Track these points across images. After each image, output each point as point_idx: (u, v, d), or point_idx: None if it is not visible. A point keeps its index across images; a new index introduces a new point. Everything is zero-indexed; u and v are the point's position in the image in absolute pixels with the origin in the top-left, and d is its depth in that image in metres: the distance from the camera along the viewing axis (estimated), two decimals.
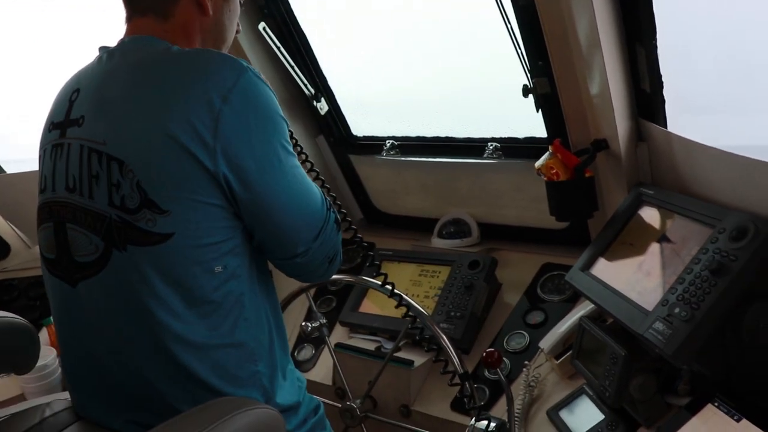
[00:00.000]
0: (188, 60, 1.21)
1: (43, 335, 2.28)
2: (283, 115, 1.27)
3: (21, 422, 1.26)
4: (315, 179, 1.47)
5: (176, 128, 1.14)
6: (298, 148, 1.50)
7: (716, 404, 1.29)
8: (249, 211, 1.22)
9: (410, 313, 1.75)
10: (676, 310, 1.31)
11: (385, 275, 1.71)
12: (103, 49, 1.33)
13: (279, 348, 1.38)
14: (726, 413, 1.26)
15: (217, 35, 1.39)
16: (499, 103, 2.16)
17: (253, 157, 1.19)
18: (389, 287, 1.71)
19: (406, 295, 1.79)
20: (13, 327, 1.41)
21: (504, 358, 1.93)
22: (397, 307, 1.75)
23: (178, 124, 1.14)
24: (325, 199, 1.35)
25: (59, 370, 2.17)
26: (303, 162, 1.52)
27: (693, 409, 1.33)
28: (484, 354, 1.69)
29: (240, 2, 1.43)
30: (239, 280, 1.26)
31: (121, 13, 1.35)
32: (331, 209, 1.36)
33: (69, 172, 1.24)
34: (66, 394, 1.41)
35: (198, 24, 1.33)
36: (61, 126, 1.29)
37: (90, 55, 1.36)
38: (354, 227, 1.63)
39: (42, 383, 2.11)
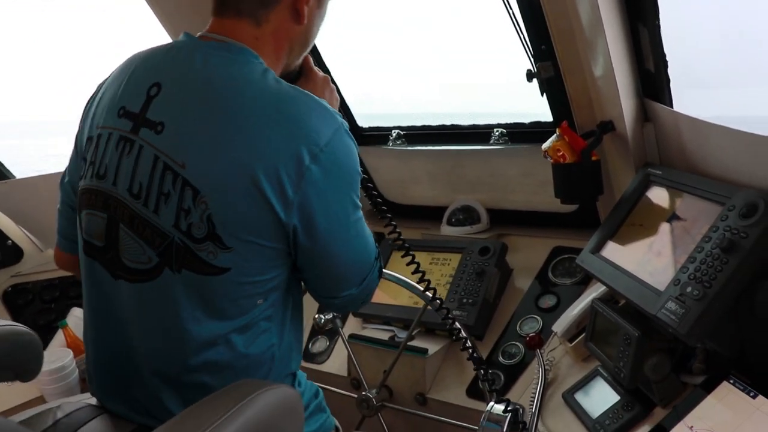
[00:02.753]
0: (287, 108, 1.18)
1: (60, 337, 2.30)
2: (359, 169, 1.27)
3: (35, 425, 1.28)
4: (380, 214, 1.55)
5: (262, 177, 1.13)
6: (371, 186, 1.55)
7: (731, 381, 1.29)
8: (306, 256, 1.24)
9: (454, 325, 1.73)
10: (688, 289, 1.31)
11: (423, 273, 1.64)
12: (187, 35, 1.28)
13: (295, 356, 1.41)
14: (741, 390, 1.26)
15: (303, 43, 1.36)
16: (504, 89, 2.16)
17: (326, 214, 1.20)
18: (429, 294, 1.67)
19: (418, 284, 1.78)
20: (16, 335, 1.43)
21: (518, 343, 1.94)
22: (437, 310, 1.69)
23: (265, 172, 1.13)
24: (376, 247, 1.37)
25: (77, 371, 2.19)
26: (375, 205, 1.57)
27: (708, 388, 1.33)
28: (527, 338, 1.76)
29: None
30: (275, 308, 1.29)
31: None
32: (379, 259, 1.38)
33: (136, 177, 1.21)
34: (77, 397, 1.43)
35: (289, 33, 1.30)
36: (135, 120, 1.23)
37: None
38: (398, 231, 1.59)
39: (60, 384, 2.13)
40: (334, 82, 1.51)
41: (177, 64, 1.26)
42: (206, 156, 1.15)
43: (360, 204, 1.28)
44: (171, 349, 1.24)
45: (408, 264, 1.59)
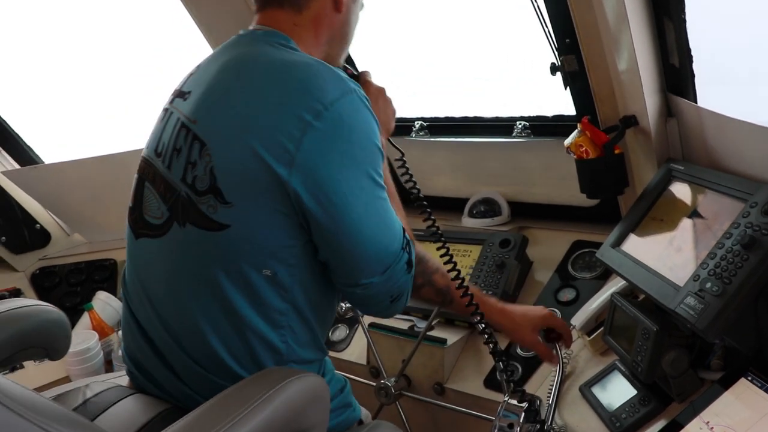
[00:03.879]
0: (295, 70, 1.21)
1: (85, 319, 2.35)
2: (380, 146, 1.24)
3: (63, 404, 1.31)
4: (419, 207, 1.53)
5: (259, 132, 1.16)
6: (411, 183, 1.54)
7: (749, 378, 1.29)
8: (319, 227, 1.20)
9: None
10: (708, 285, 1.31)
11: (455, 264, 1.58)
12: (240, 33, 1.38)
13: (320, 353, 1.40)
14: (759, 387, 1.26)
15: (343, 35, 1.41)
16: (528, 82, 2.17)
17: (334, 179, 1.16)
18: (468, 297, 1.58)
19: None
20: (45, 314, 1.48)
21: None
22: (476, 319, 1.63)
23: (263, 128, 1.16)
24: (405, 237, 1.30)
25: (101, 353, 2.24)
26: (417, 198, 1.55)
27: (726, 384, 1.33)
28: (546, 330, 1.73)
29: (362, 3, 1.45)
30: (287, 291, 1.25)
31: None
32: (407, 249, 1.30)
33: (162, 138, 1.33)
34: (104, 376, 1.47)
35: (328, 20, 1.36)
36: (175, 94, 1.39)
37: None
38: (433, 218, 1.58)
39: (86, 365, 2.18)
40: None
41: (218, 51, 1.38)
42: (214, 111, 1.23)
43: (382, 184, 1.24)
44: (182, 312, 1.26)
45: (441, 256, 1.55)
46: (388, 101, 1.51)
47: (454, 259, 1.54)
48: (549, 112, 2.17)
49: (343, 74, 1.24)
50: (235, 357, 1.27)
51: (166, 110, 1.38)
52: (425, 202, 1.56)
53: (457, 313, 1.60)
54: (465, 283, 1.52)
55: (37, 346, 1.48)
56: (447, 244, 1.56)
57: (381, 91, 1.49)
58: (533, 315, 1.64)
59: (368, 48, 2.44)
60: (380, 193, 1.24)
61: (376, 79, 1.53)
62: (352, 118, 1.18)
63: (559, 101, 2.01)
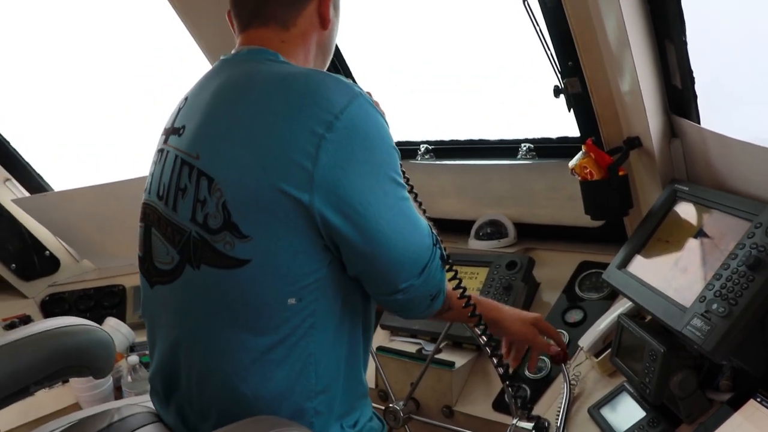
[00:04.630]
0: (296, 83, 1.15)
1: None
2: (394, 145, 1.20)
3: (90, 426, 1.32)
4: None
5: (273, 158, 1.09)
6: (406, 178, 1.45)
7: (758, 399, 1.29)
8: (348, 244, 1.14)
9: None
10: (714, 306, 1.31)
11: (464, 289, 1.53)
12: (222, 58, 1.32)
13: (349, 387, 1.29)
14: None
15: (326, 50, 1.38)
16: (526, 79, 2.17)
17: (357, 188, 1.11)
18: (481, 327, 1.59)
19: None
20: (89, 334, 1.52)
21: (543, 357, 1.95)
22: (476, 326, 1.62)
23: (277, 152, 1.09)
24: (433, 233, 1.28)
25: (111, 379, 2.25)
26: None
27: (735, 405, 1.33)
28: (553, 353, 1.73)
29: None
30: (315, 316, 1.18)
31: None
32: (438, 245, 1.28)
33: (162, 180, 1.25)
34: (138, 399, 1.48)
35: (314, 37, 1.32)
36: (167, 132, 1.32)
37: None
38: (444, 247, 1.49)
39: (95, 392, 2.19)
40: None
41: (205, 78, 1.33)
42: (217, 143, 1.16)
43: (403, 183, 1.20)
44: (201, 355, 1.21)
45: (450, 279, 1.48)
46: (376, 104, 1.45)
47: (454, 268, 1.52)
48: (554, 134, 2.18)
49: (343, 77, 1.18)
50: (260, 395, 1.20)
51: (161, 151, 1.30)
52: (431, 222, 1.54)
53: (456, 319, 1.55)
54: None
55: (80, 364, 1.52)
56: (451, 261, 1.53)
57: (375, 104, 1.46)
58: (525, 313, 1.64)
59: (365, 45, 2.46)
60: (403, 194, 1.20)
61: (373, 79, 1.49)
62: (364, 123, 1.14)
63: (557, 103, 2.01)
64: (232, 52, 1.31)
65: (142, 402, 1.45)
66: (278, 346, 1.17)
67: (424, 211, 1.55)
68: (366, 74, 2.44)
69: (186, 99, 1.32)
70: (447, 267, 1.40)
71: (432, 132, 2.48)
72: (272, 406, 1.20)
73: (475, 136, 2.39)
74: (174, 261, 1.20)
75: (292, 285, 1.15)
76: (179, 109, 1.32)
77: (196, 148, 1.19)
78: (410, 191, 1.48)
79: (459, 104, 2.44)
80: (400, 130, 2.60)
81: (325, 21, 1.31)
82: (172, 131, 1.29)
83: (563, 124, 2.01)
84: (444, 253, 1.30)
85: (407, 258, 1.20)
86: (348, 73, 2.46)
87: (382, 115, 1.19)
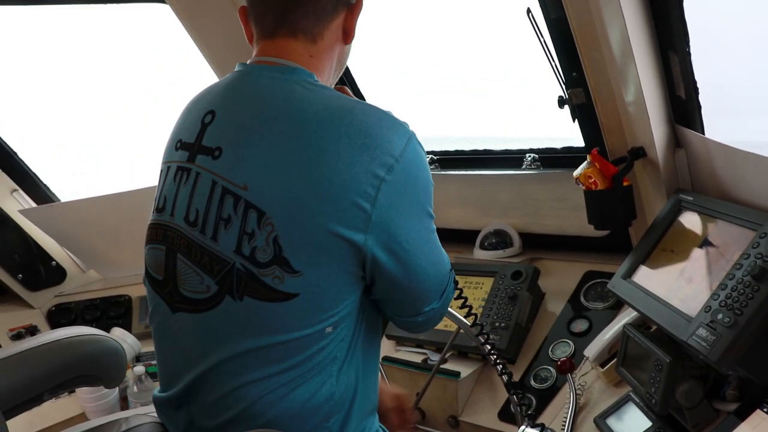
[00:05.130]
0: (355, 120, 1.12)
1: None
2: (431, 179, 1.22)
3: None
4: None
5: (333, 200, 1.08)
6: None
7: (765, 410, 1.29)
8: (388, 276, 1.17)
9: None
10: (719, 316, 1.31)
11: (465, 299, 1.65)
12: (241, 65, 1.25)
13: (360, 405, 1.29)
14: None
15: (343, 63, 1.34)
16: (532, 83, 2.17)
17: (407, 228, 1.15)
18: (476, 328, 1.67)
19: (455, 309, 1.79)
20: (100, 344, 1.52)
21: (549, 367, 1.95)
22: (477, 335, 1.71)
23: (337, 195, 1.08)
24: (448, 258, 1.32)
25: (117, 389, 2.26)
26: None
27: (742, 415, 1.33)
28: (559, 362, 1.74)
29: None
30: (344, 341, 1.20)
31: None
32: (452, 269, 1.33)
33: (192, 204, 1.18)
34: (146, 409, 1.47)
35: (337, 50, 1.28)
36: (191, 149, 1.22)
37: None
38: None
39: (101, 402, 2.19)
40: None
41: (230, 90, 1.24)
42: (271, 175, 1.11)
43: (434, 214, 1.23)
44: (230, 382, 1.18)
45: (456, 297, 1.52)
46: None
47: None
48: (558, 144, 2.19)
49: (393, 114, 1.18)
50: (280, 416, 1.19)
51: (185, 170, 1.22)
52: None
53: None
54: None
55: (92, 373, 1.52)
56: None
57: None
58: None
59: (373, 48, 2.47)
60: (433, 226, 1.23)
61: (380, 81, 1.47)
62: (418, 163, 1.16)
63: (569, 132, 2.02)
64: (255, 60, 1.24)
65: (150, 413, 1.46)
66: (308, 372, 1.18)
67: None
68: (373, 77, 2.44)
69: (213, 113, 1.22)
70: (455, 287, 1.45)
71: (438, 132, 2.49)
72: (290, 427, 1.19)
73: (480, 146, 2.41)
74: (211, 291, 1.16)
75: (333, 317, 1.16)
76: (204, 124, 1.22)
77: (242, 179, 1.13)
78: None
79: (466, 106, 2.45)
80: None
81: (349, 35, 1.27)
82: (200, 149, 1.20)
83: (568, 126, 2.00)
84: (454, 276, 1.35)
85: (434, 285, 1.26)
86: (350, 78, 2.46)
87: (424, 150, 1.20)
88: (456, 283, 1.42)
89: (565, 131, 2.14)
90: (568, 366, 1.72)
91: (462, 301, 1.60)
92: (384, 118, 1.15)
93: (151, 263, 1.28)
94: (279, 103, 1.16)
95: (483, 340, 1.67)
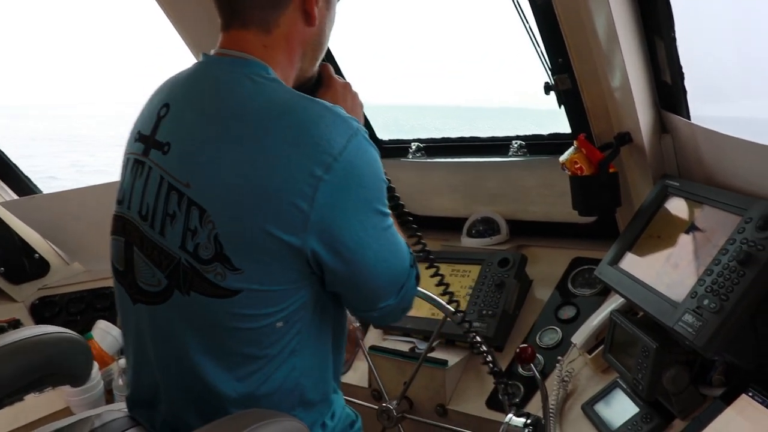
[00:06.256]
0: (295, 119, 1.12)
1: None
2: (384, 177, 1.21)
3: None
4: (404, 223, 1.46)
5: (270, 201, 1.08)
6: (397, 197, 1.48)
7: (750, 394, 1.29)
8: (334, 276, 1.17)
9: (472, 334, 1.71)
10: (705, 302, 1.31)
11: (447, 285, 1.63)
12: (203, 56, 1.25)
13: (326, 390, 1.33)
14: (761, 403, 1.26)
15: (316, 46, 1.29)
16: (510, 65, 2.16)
17: (350, 228, 1.13)
18: (461, 316, 1.67)
19: (437, 296, 1.80)
20: (67, 341, 1.49)
21: (537, 354, 1.94)
22: (459, 323, 1.71)
23: (274, 196, 1.08)
24: (411, 254, 1.30)
25: (102, 383, 2.24)
26: (401, 214, 1.49)
27: (727, 400, 1.33)
28: (518, 350, 1.70)
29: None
30: (300, 333, 1.21)
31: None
32: (414, 266, 1.31)
33: (144, 199, 1.20)
34: (118, 405, 1.46)
35: (301, 35, 1.24)
36: (146, 142, 1.23)
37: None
38: (423, 243, 1.55)
39: (86, 396, 2.17)
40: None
41: (186, 83, 1.25)
42: (212, 174, 1.12)
43: (388, 211, 1.21)
44: (183, 376, 1.21)
45: (432, 276, 1.58)
46: (355, 96, 1.41)
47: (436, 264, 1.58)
48: (545, 131, 2.18)
49: (342, 111, 1.16)
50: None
51: (140, 163, 1.23)
52: (411, 218, 1.54)
53: None
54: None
55: (60, 372, 1.50)
56: (436, 263, 1.58)
57: (346, 86, 1.40)
58: None
59: (350, 31, 2.44)
60: (388, 222, 1.22)
61: (353, 66, 1.47)
62: (361, 161, 1.14)
63: (556, 119, 2.01)
64: (213, 52, 1.24)
65: (122, 408, 1.44)
66: (266, 366, 1.19)
67: (409, 216, 1.52)
68: (349, 59, 2.42)
69: (167, 106, 1.23)
70: (428, 265, 1.52)
71: (417, 118, 2.47)
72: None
73: (467, 134, 2.39)
74: (162, 284, 1.18)
75: (282, 312, 1.16)
76: (159, 117, 1.23)
77: (186, 176, 1.14)
78: (396, 204, 1.50)
79: (444, 90, 2.43)
80: (389, 129, 2.59)
81: (310, 18, 1.22)
82: (154, 144, 1.22)
83: (546, 102, 1.97)
84: (418, 272, 1.33)
85: (388, 282, 1.24)
86: (331, 59, 2.43)
87: (373, 146, 1.18)
88: (437, 268, 1.48)
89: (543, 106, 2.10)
90: (528, 355, 1.68)
91: (443, 287, 1.60)
92: (325, 115, 1.13)
93: (113, 254, 1.31)
94: (226, 98, 1.16)
95: (468, 327, 1.66)
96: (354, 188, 1.13)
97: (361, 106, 1.43)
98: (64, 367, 1.48)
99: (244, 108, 1.14)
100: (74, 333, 1.52)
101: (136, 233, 1.22)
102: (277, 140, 1.10)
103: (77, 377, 1.54)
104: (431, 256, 1.56)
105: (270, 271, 1.12)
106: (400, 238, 1.27)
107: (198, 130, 1.16)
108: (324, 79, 1.39)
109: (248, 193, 1.09)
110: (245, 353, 1.18)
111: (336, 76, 1.41)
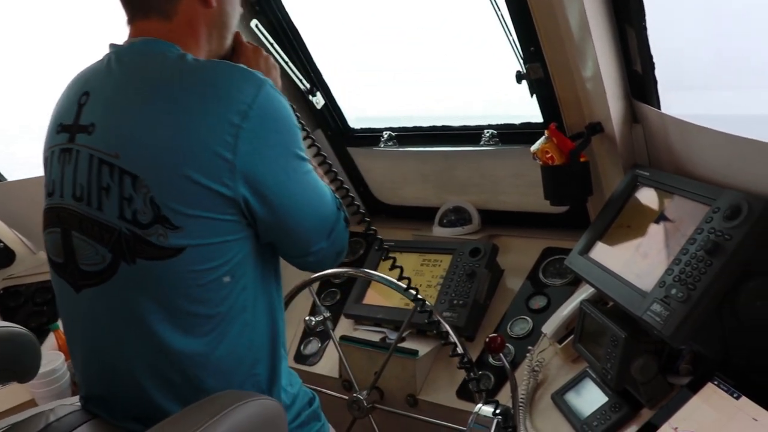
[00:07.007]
0: (206, 76, 1.20)
1: (51, 340, 2.31)
2: (297, 123, 1.28)
3: (25, 430, 1.28)
4: (332, 179, 1.53)
5: (196, 154, 1.14)
6: (315, 149, 1.56)
7: (716, 383, 1.30)
8: (265, 222, 1.24)
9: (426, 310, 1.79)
10: (673, 291, 1.31)
11: (401, 268, 1.71)
12: (112, 47, 1.31)
13: (278, 349, 1.39)
14: (725, 391, 1.26)
15: (221, 26, 1.37)
16: (495, 90, 2.16)
17: (273, 172, 1.21)
18: (407, 287, 1.74)
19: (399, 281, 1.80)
20: (13, 336, 1.45)
21: (508, 344, 1.94)
22: (420, 310, 1.79)
23: (199, 148, 1.14)
24: (336, 198, 1.38)
25: (68, 374, 2.20)
26: (321, 163, 1.58)
27: (694, 389, 1.34)
28: (488, 339, 1.70)
29: None
30: (246, 289, 1.27)
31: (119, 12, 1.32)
32: (341, 208, 1.39)
33: (77, 181, 1.23)
34: (71, 399, 1.44)
35: (203, 18, 1.31)
36: (70, 130, 1.27)
37: (90, 56, 1.35)
38: (368, 219, 1.65)
39: (51, 387, 2.13)
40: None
41: (101, 70, 1.30)
42: (138, 141, 1.17)
43: (306, 156, 1.29)
44: (143, 349, 1.23)
45: (390, 268, 1.67)
46: (268, 58, 1.50)
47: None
48: (517, 120, 2.17)
49: (250, 69, 1.24)
50: (212, 373, 1.27)
51: (67, 150, 1.26)
52: (362, 211, 1.66)
53: None
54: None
55: (5, 368, 1.46)
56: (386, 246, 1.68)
57: (257, 50, 1.49)
58: None
59: (323, 23, 2.42)
60: (308, 167, 1.29)
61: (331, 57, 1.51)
62: (273, 108, 1.21)
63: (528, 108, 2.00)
64: (122, 43, 1.31)
65: (75, 402, 1.42)
66: (220, 324, 1.25)
67: (337, 178, 1.63)
68: (324, 52, 2.40)
69: (87, 94, 1.28)
70: (386, 256, 1.65)
71: (389, 104, 2.46)
72: (222, 382, 1.27)
73: (439, 123, 2.38)
74: (106, 260, 1.21)
75: (226, 265, 1.22)
76: (80, 105, 1.28)
77: (113, 148, 1.19)
78: (323, 162, 1.63)
79: (403, 57, 2.42)
80: (361, 119, 2.58)
81: (207, 0, 1.30)
82: (78, 129, 1.26)
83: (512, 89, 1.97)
84: (347, 214, 1.42)
85: (316, 225, 1.32)
86: (313, 66, 2.42)
87: (284, 97, 1.26)
88: (382, 245, 1.63)
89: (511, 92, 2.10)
90: (497, 345, 1.69)
91: (398, 270, 1.68)
92: (235, 71, 1.21)
93: (50, 248, 1.33)
94: (141, 71, 1.24)
95: (418, 300, 1.74)
96: (272, 133, 1.21)
97: (276, 68, 1.52)
98: (7, 363, 1.45)
99: (160, 76, 1.21)
100: (20, 327, 1.48)
101: (74, 218, 1.24)
102: (194, 97, 1.17)
103: (24, 373, 1.50)
104: (386, 246, 1.67)
105: (209, 224, 1.18)
106: (323, 183, 1.35)
107: (119, 105, 1.22)
108: (236, 47, 1.48)
109: (175, 151, 1.14)
110: (200, 313, 1.22)
111: (247, 42, 1.49)
